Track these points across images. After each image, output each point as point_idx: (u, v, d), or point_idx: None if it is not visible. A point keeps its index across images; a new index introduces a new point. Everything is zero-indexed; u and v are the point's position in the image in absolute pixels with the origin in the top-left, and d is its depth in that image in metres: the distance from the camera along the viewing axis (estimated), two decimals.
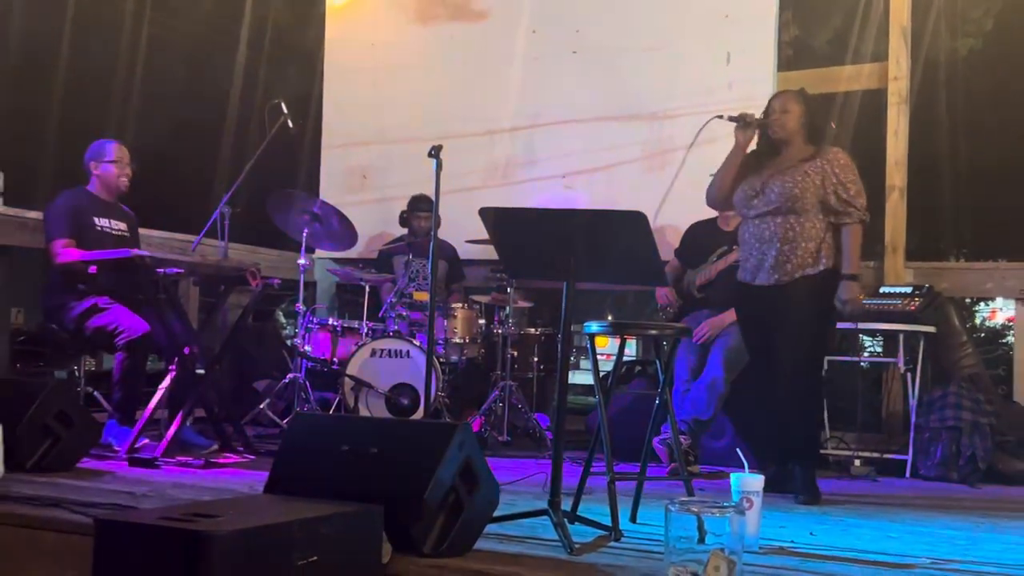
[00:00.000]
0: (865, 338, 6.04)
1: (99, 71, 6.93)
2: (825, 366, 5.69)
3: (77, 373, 6.00)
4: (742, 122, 4.58)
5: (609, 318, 9.37)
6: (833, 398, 5.82)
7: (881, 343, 6.51)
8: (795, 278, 4.48)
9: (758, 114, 4.66)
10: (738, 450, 3.66)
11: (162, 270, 4.90)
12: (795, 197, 4.47)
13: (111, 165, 5.49)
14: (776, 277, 4.51)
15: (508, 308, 6.15)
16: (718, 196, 4.74)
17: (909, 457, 5.47)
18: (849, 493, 4.78)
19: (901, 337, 5.64)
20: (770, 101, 4.71)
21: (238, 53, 7.70)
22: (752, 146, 4.67)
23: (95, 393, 5.76)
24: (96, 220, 5.42)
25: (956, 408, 5.42)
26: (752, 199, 4.58)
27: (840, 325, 5.68)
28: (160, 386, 5.18)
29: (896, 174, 6.15)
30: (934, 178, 7.06)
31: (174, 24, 7.19)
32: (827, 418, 5.70)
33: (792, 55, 6.50)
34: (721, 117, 4.58)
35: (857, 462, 5.48)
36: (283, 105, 5.98)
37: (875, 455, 5.57)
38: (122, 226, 5.57)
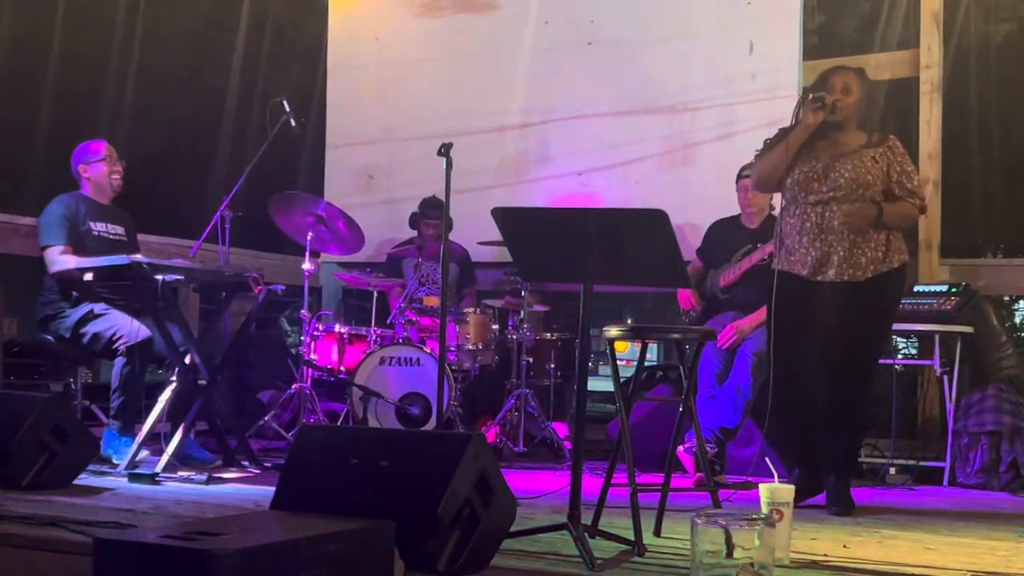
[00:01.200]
0: (899, 339, 5.91)
1: (91, 70, 6.82)
2: None
3: (73, 386, 5.90)
4: (820, 103, 4.29)
5: (628, 321, 9.23)
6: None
7: (916, 344, 6.40)
8: (869, 276, 4.29)
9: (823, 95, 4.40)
10: (767, 459, 3.61)
11: (161, 277, 4.80)
12: (867, 184, 4.27)
13: (101, 164, 5.43)
14: (850, 272, 4.29)
15: (523, 312, 6.09)
16: (773, 175, 4.44)
17: (947, 464, 5.39)
18: (884, 503, 4.71)
19: (937, 338, 5.53)
20: (828, 77, 4.44)
21: (237, 49, 7.57)
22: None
23: (92, 406, 5.73)
24: (92, 224, 5.36)
25: (996, 412, 5.32)
26: (812, 183, 4.34)
27: None
28: (160, 398, 5.09)
29: (930, 167, 6.07)
30: (969, 171, 6.94)
31: (169, 20, 7.07)
32: None
33: (817, 43, 6.38)
34: (808, 98, 4.31)
35: (892, 470, 5.43)
36: (285, 103, 5.93)
37: (911, 462, 5.49)
38: (119, 230, 5.51)
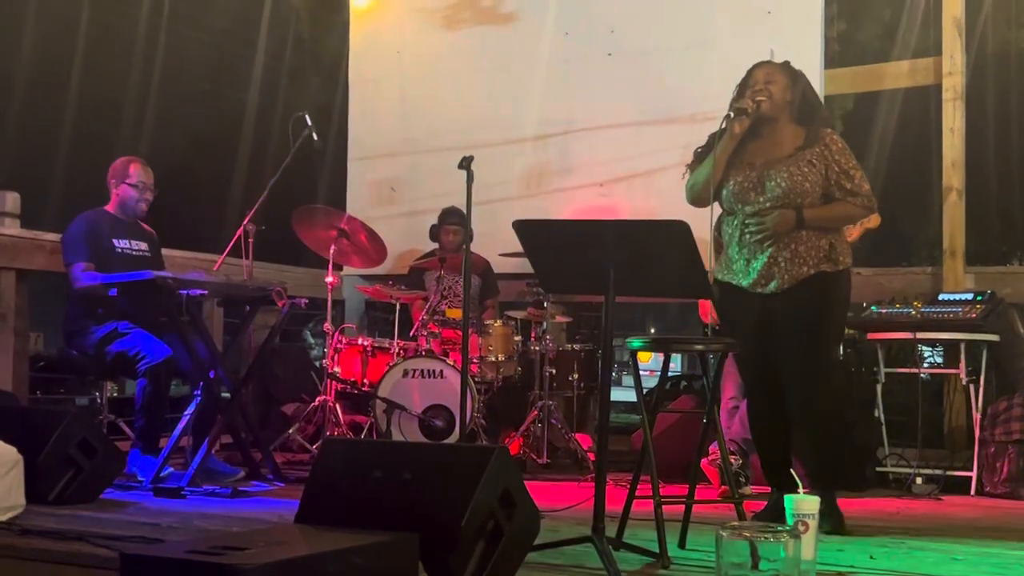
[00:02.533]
0: (924, 348, 5.85)
1: (115, 86, 6.87)
2: (883, 378, 5.51)
3: (99, 400, 5.94)
4: (745, 114, 4.08)
5: (651, 331, 9.17)
6: (892, 412, 5.70)
7: (941, 353, 6.34)
8: (811, 275, 4.05)
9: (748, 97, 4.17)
10: (792, 471, 3.60)
11: (185, 291, 4.82)
12: (805, 192, 4.03)
13: (131, 188, 5.44)
14: (791, 281, 4.06)
15: (545, 324, 6.06)
16: (705, 190, 4.11)
17: (974, 474, 5.33)
18: (910, 513, 4.67)
19: (963, 346, 5.47)
20: (751, 72, 4.24)
21: (259, 64, 7.60)
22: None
23: (118, 421, 5.70)
24: (116, 242, 5.38)
25: (1023, 420, 5.23)
26: (748, 192, 4.10)
27: (896, 335, 5.51)
28: (185, 412, 5.11)
29: (954, 174, 6.02)
30: (993, 178, 6.89)
31: (191, 35, 7.09)
32: (885, 433, 5.59)
33: (839, 51, 6.35)
34: (730, 116, 4.08)
35: (918, 480, 5.36)
36: (307, 117, 5.89)
37: (937, 472, 5.41)
38: (143, 246, 5.52)
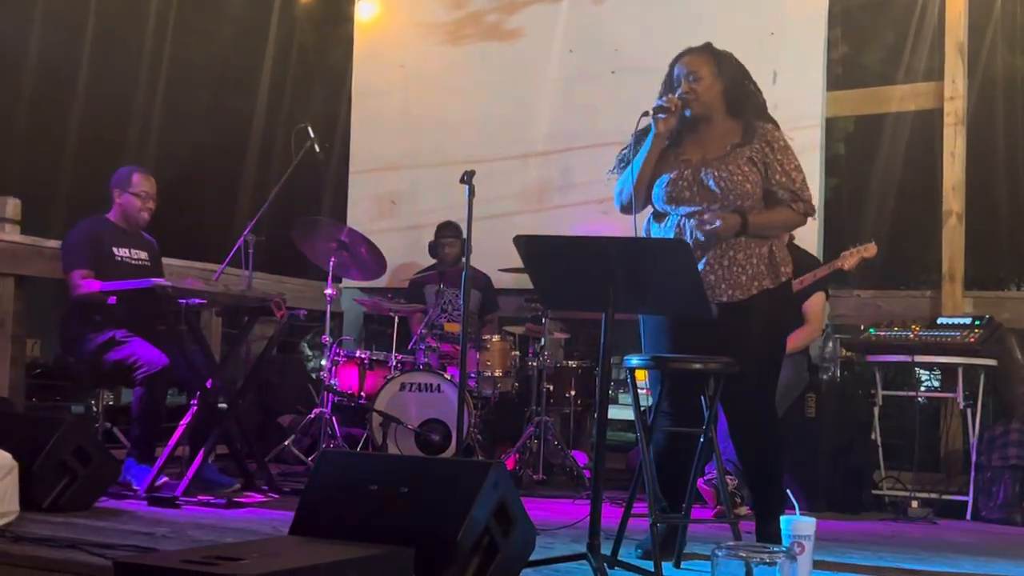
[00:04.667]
0: (922, 372, 5.85)
1: (119, 95, 6.88)
2: (880, 401, 5.50)
3: (95, 408, 5.90)
4: (666, 113, 3.78)
5: None
6: (889, 435, 5.69)
7: (939, 377, 6.34)
8: (753, 293, 3.78)
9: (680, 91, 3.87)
10: (788, 491, 3.62)
11: (184, 300, 4.80)
12: (745, 193, 3.75)
13: (134, 198, 5.43)
14: (729, 292, 3.77)
15: (543, 340, 6.02)
16: (638, 195, 3.80)
17: (970, 498, 5.33)
18: (906, 537, 4.67)
19: (960, 371, 5.47)
20: (671, 66, 3.95)
21: (263, 75, 7.62)
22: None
23: (114, 429, 5.67)
24: (115, 250, 5.37)
25: (1020, 446, 5.26)
26: (684, 191, 3.81)
27: (894, 358, 5.50)
28: (181, 421, 5.07)
29: (953, 199, 6.02)
30: (993, 203, 6.88)
31: (197, 46, 7.11)
32: (882, 456, 5.58)
33: (841, 74, 6.36)
34: (647, 114, 3.79)
35: (914, 503, 5.35)
36: (310, 129, 5.89)
37: (933, 496, 5.42)
38: (143, 255, 5.51)
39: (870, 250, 5.23)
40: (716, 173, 3.78)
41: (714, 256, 3.79)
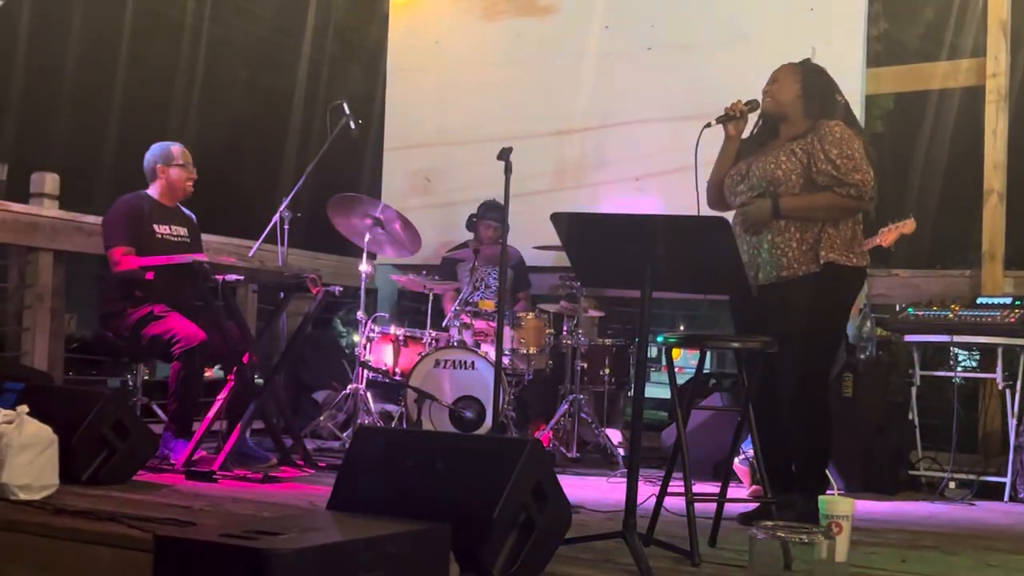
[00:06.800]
0: (960, 352, 5.78)
1: (159, 73, 6.92)
2: (918, 381, 5.46)
3: (131, 382, 5.94)
4: (727, 118, 4.18)
5: (680, 328, 9.12)
6: (926, 416, 5.66)
7: (977, 357, 6.27)
8: (797, 276, 4.00)
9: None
10: (826, 471, 3.63)
11: (221, 277, 4.83)
12: (777, 179, 4.02)
13: (180, 169, 5.45)
14: (775, 274, 4.02)
15: (578, 317, 6.02)
16: (713, 194, 4.28)
17: (1008, 479, 5.25)
18: (943, 518, 4.62)
19: (1000, 351, 5.39)
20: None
21: (300, 53, 7.64)
22: (747, 133, 4.30)
23: (151, 403, 5.72)
24: (156, 227, 5.38)
25: None
26: (738, 185, 4.17)
27: (932, 338, 5.44)
28: (218, 397, 5.12)
29: (995, 177, 5.93)
30: None
31: (236, 24, 7.12)
32: (919, 437, 5.54)
33: (881, 50, 6.27)
34: (709, 126, 4.12)
35: (951, 485, 5.31)
36: (345, 106, 5.90)
37: (971, 477, 5.36)
38: (182, 231, 5.53)
39: (908, 226, 5.17)
40: (758, 164, 4.10)
41: (758, 239, 4.07)
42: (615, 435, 5.99)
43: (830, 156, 3.97)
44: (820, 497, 3.41)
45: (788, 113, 4.18)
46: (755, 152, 4.20)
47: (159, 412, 5.60)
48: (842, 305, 4.15)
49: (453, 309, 6.09)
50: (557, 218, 3.46)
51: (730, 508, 3.83)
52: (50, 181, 5.63)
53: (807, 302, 3.99)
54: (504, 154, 4.76)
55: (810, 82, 4.18)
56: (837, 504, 3.31)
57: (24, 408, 3.85)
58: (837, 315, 4.15)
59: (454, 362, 5.80)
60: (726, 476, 3.77)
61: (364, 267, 5.97)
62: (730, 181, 4.19)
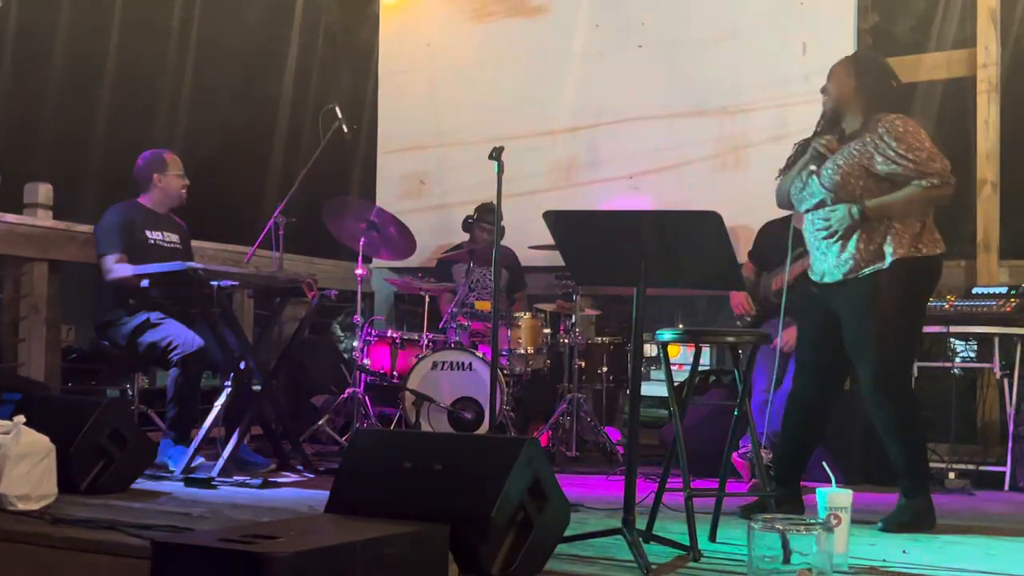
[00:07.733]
0: (957, 342, 5.80)
1: (148, 79, 6.87)
2: (915, 372, 5.44)
3: (130, 391, 5.95)
4: (820, 157, 4.16)
5: (679, 325, 9.07)
6: (924, 407, 5.53)
7: (975, 347, 6.25)
8: (864, 274, 3.99)
9: None
10: (824, 463, 3.58)
11: (216, 283, 4.83)
12: (837, 185, 4.01)
13: (175, 177, 5.47)
14: (843, 273, 4.02)
15: (574, 316, 6.02)
16: (783, 196, 4.32)
17: (1007, 469, 5.28)
18: (943, 508, 4.51)
19: (996, 340, 5.41)
20: None
21: (290, 57, 7.61)
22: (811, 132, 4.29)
23: (149, 412, 5.72)
24: (148, 233, 5.40)
25: None
26: (801, 191, 4.16)
27: (929, 329, 5.43)
28: (216, 403, 5.11)
29: (988, 167, 5.94)
30: None
31: (224, 29, 7.09)
32: None
33: (872, 43, 6.25)
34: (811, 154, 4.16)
35: (951, 475, 5.29)
36: (338, 110, 5.91)
37: (970, 467, 5.38)
38: (174, 238, 5.55)
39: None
40: (823, 172, 4.05)
41: (828, 243, 4.06)
42: (614, 433, 5.99)
43: (899, 151, 3.93)
44: (818, 489, 3.41)
45: (847, 109, 4.13)
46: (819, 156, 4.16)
47: (157, 420, 5.59)
48: (916, 297, 4.10)
49: (450, 311, 6.09)
50: (549, 216, 3.47)
51: (729, 503, 3.84)
52: (43, 191, 5.62)
53: (878, 298, 3.97)
54: (495, 153, 4.75)
55: (863, 73, 4.13)
56: (836, 496, 3.31)
57: (21, 418, 3.85)
58: (912, 309, 4.09)
59: (451, 364, 5.79)
60: (724, 471, 3.78)
61: (359, 271, 5.97)
62: (794, 189, 4.18)
